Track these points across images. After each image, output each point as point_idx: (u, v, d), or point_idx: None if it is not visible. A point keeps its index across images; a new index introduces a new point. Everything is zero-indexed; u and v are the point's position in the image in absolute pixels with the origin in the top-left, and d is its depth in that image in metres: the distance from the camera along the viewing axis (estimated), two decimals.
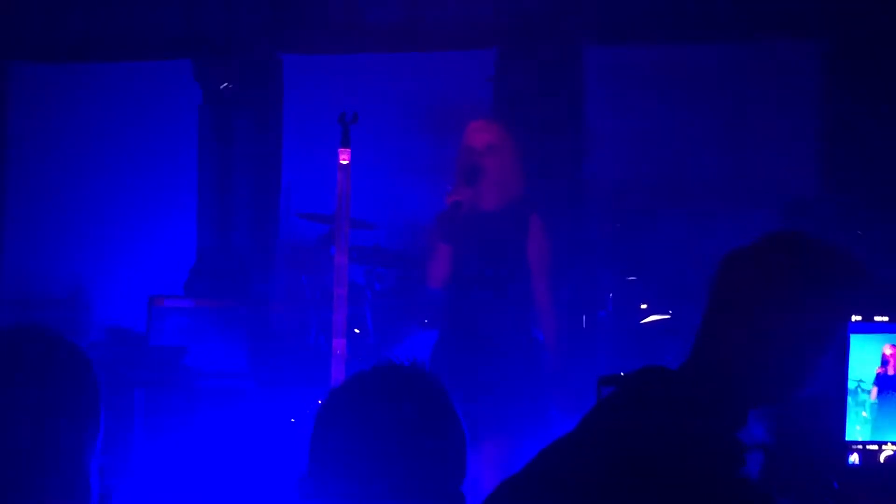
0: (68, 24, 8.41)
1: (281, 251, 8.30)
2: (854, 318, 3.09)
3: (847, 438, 3.17)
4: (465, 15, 8.04)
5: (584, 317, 7.11)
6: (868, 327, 3.15)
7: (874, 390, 3.19)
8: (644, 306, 7.22)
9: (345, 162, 5.71)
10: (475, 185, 5.60)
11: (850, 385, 3.15)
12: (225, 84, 8.08)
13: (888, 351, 3.17)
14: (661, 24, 7.76)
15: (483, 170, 5.62)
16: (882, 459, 3.17)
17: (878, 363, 3.18)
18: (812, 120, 7.68)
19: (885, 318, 3.13)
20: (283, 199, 8.34)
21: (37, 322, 2.27)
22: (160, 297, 7.38)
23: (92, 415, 2.19)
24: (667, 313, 7.20)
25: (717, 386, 2.00)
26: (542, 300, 5.71)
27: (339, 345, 5.60)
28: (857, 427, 3.21)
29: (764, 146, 7.80)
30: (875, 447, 3.21)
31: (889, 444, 3.21)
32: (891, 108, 7.22)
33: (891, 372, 3.20)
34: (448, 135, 8.15)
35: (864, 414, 3.18)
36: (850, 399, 3.15)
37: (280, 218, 8.33)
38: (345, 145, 5.73)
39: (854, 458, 3.16)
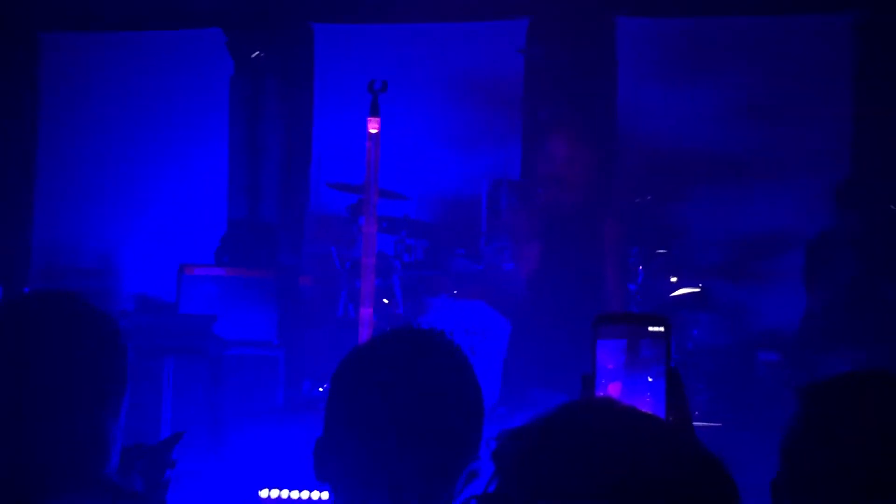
0: None
1: (310, 221, 8.31)
2: None
3: None
4: None
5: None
6: None
7: None
8: (674, 279, 7.20)
9: (374, 131, 5.70)
10: (559, 189, 5.77)
11: None
12: (256, 53, 8.08)
13: None
14: None
15: (565, 175, 5.77)
16: None
17: None
18: (846, 92, 7.61)
19: None
20: (314, 169, 8.34)
21: (69, 289, 2.29)
22: (190, 265, 7.40)
23: (117, 381, 2.19)
24: (697, 286, 7.17)
25: None
26: (613, 293, 5.87)
27: (366, 314, 5.61)
28: None
29: (796, 119, 7.74)
30: None
31: None
32: None
33: None
34: (479, 106, 8.14)
35: None
36: None
37: (310, 187, 8.34)
38: (374, 114, 5.72)
39: None
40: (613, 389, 1.89)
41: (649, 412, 1.47)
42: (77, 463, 2.11)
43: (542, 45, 7.83)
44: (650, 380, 1.90)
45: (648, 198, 7.37)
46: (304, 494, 5.72)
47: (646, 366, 1.90)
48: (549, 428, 1.39)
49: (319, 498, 5.66)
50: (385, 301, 7.01)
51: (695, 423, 1.93)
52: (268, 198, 8.25)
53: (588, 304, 5.71)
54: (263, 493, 5.76)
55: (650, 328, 1.91)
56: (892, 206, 6.75)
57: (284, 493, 5.74)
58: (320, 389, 6.70)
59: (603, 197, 7.08)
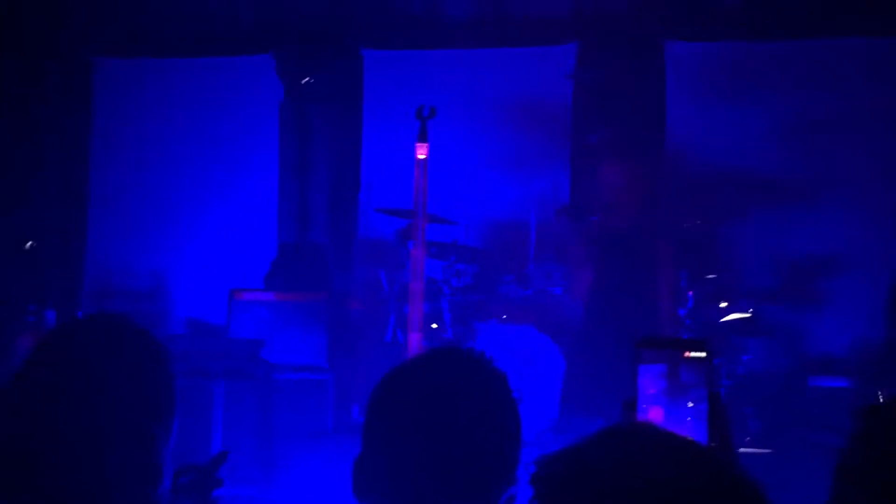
0: (153, 21, 8.52)
1: (359, 245, 8.33)
2: None
3: None
4: (545, 11, 8.02)
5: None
6: None
7: None
8: (724, 304, 7.14)
9: (422, 156, 5.72)
10: (609, 213, 5.81)
11: None
12: (306, 79, 8.13)
13: None
14: (743, 20, 7.68)
15: (616, 200, 5.82)
16: None
17: None
18: None
19: None
20: (363, 194, 8.37)
21: (119, 312, 2.31)
22: (240, 290, 7.44)
23: (166, 405, 2.21)
24: (747, 311, 7.11)
25: None
26: (666, 319, 5.89)
27: (414, 338, 5.61)
28: None
29: (845, 142, 7.68)
30: None
31: None
32: None
33: None
34: (527, 131, 8.15)
35: None
36: None
37: (359, 213, 8.37)
38: (422, 140, 5.75)
39: None
40: (655, 415, 1.88)
41: (689, 437, 1.46)
42: (130, 486, 2.13)
43: (591, 69, 7.83)
44: (691, 405, 1.89)
45: (698, 222, 7.34)
46: None
47: (686, 391, 1.89)
48: (588, 453, 1.39)
49: None
50: (434, 326, 7.02)
51: (745, 450, 1.92)
52: (317, 222, 8.29)
53: (640, 329, 5.70)
54: None
55: (690, 353, 1.90)
56: None
57: None
58: None
59: (653, 221, 7.07)
